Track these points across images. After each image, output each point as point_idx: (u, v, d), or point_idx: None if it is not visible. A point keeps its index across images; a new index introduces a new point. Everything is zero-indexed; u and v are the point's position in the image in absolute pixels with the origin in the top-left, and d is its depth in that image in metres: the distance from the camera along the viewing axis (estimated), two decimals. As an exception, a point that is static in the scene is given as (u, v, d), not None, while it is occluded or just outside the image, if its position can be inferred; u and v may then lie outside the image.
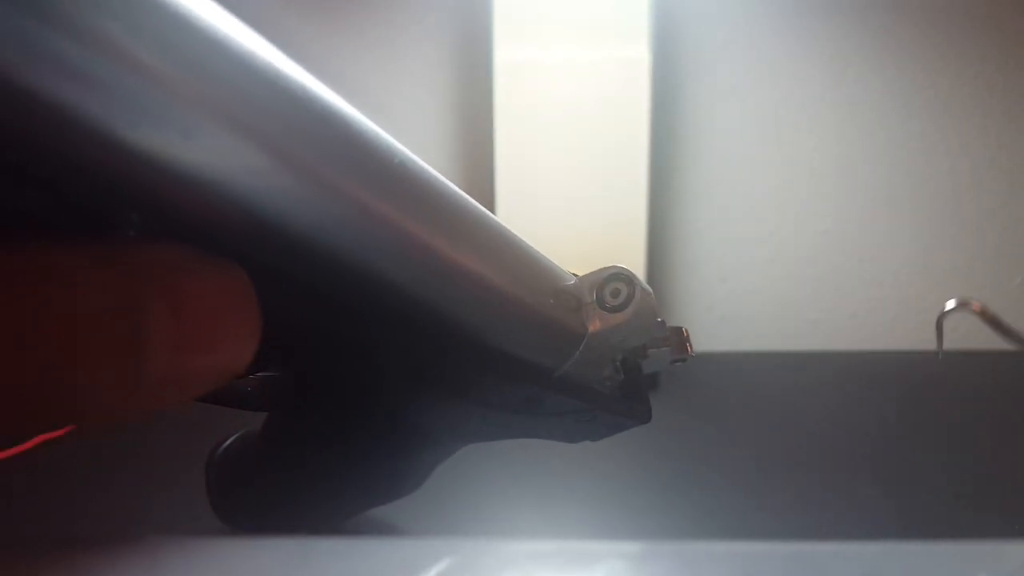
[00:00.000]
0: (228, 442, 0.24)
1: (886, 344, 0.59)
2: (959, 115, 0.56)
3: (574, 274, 0.20)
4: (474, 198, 0.16)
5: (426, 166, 0.15)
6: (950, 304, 0.30)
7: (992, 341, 0.59)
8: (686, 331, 0.21)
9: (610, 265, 0.20)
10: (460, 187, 0.16)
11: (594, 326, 0.19)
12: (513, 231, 0.18)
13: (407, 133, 0.57)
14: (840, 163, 0.57)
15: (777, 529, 0.32)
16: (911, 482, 0.36)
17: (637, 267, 0.51)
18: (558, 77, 0.50)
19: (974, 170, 0.57)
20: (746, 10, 0.55)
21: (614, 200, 0.51)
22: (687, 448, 0.39)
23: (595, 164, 0.50)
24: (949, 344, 0.59)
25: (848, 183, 0.57)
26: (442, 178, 0.15)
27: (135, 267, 0.10)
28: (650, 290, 0.20)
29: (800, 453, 0.39)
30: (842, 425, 0.43)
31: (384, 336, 0.16)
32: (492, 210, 0.17)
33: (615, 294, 0.19)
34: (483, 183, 0.54)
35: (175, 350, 0.11)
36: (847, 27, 0.55)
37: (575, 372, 0.19)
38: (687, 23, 0.55)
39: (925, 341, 0.60)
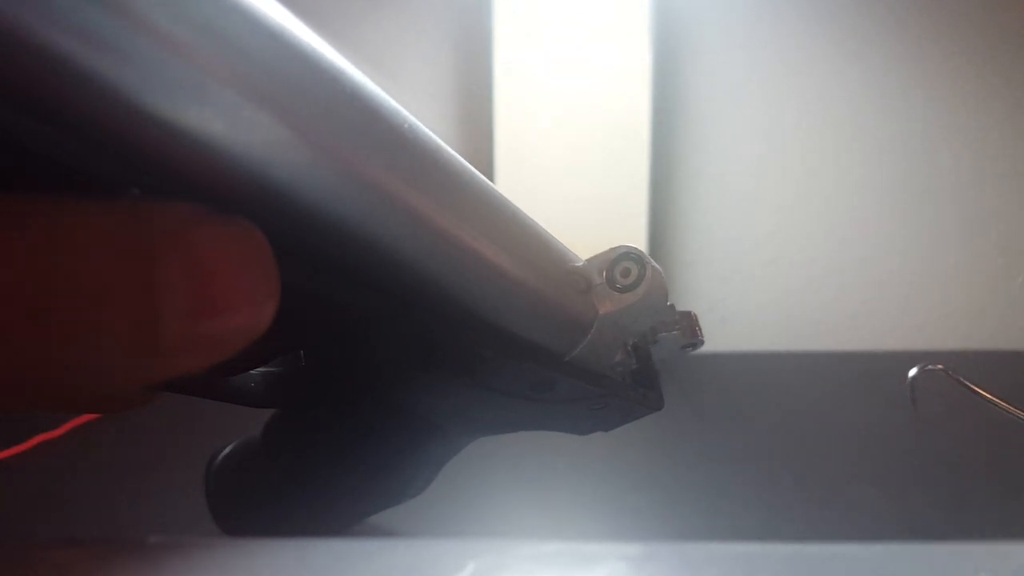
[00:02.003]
0: (227, 449, 0.23)
1: (886, 344, 0.59)
2: (960, 115, 0.56)
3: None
4: None
5: (433, 135, 0.14)
6: (912, 371, 0.33)
7: (991, 341, 0.59)
8: (695, 315, 0.21)
9: (619, 245, 0.19)
10: None
11: (605, 307, 0.19)
12: (522, 210, 0.17)
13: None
14: (840, 163, 0.57)
15: (777, 529, 0.32)
16: (911, 482, 0.36)
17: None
18: (558, 77, 0.50)
19: (975, 169, 0.57)
20: (746, 10, 0.55)
21: (614, 200, 0.51)
22: (687, 448, 0.39)
23: (595, 164, 0.50)
24: (949, 345, 0.60)
25: (848, 183, 0.57)
26: (450, 149, 0.15)
27: (144, 222, 0.10)
28: (660, 269, 0.19)
29: (800, 453, 0.39)
30: (842, 425, 0.43)
31: (392, 312, 0.16)
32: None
33: (625, 273, 0.19)
34: (483, 183, 0.54)
35: (191, 308, 0.10)
36: (848, 27, 0.55)
37: (587, 356, 0.19)
38: (687, 23, 0.55)
39: (925, 341, 0.60)
